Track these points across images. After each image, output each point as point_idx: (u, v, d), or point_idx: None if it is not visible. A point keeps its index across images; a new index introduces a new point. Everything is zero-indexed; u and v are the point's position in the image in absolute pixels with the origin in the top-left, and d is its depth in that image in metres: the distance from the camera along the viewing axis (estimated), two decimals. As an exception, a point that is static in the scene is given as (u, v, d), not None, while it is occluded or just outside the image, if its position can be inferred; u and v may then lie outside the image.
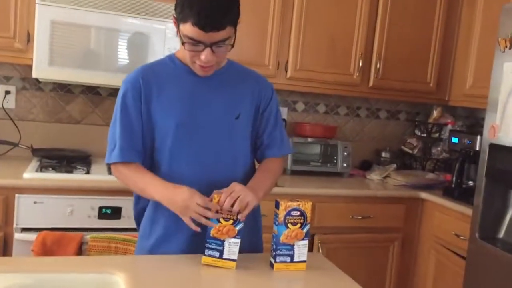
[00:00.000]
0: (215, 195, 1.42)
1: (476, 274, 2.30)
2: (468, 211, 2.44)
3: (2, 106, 2.76)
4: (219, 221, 1.42)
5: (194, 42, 1.42)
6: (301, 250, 1.46)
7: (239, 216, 1.42)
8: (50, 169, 2.48)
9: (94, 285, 1.27)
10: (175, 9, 1.44)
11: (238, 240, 1.43)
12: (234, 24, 1.45)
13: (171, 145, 1.53)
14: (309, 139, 3.08)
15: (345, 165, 3.09)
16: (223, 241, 1.43)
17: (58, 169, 2.47)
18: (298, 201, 1.45)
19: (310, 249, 2.69)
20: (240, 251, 1.57)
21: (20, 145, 2.71)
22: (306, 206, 1.45)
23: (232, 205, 1.40)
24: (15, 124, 2.77)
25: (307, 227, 1.46)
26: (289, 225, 1.44)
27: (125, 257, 1.81)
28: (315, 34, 2.91)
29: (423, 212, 2.91)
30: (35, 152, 2.67)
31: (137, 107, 1.53)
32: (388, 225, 2.85)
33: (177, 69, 1.57)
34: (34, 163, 2.55)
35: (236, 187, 1.44)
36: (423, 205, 2.91)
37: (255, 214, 1.65)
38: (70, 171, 2.45)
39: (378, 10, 3.01)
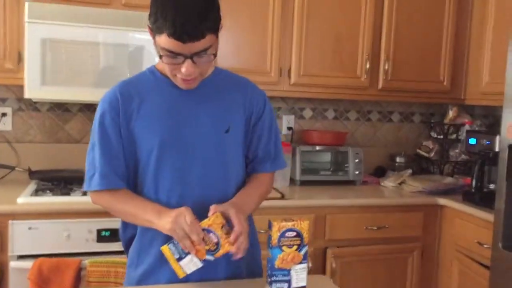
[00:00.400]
0: (218, 218, 1.30)
1: (501, 285, 2.12)
2: (491, 217, 2.26)
3: (-2, 129, 2.70)
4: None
5: (173, 54, 1.29)
6: (299, 275, 1.32)
7: (217, 251, 1.29)
8: (48, 191, 2.39)
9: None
10: (149, 18, 1.31)
11: (200, 265, 1.30)
12: (215, 30, 1.31)
13: (155, 165, 1.40)
14: (317, 147, 2.93)
15: (357, 172, 2.93)
16: (188, 253, 1.29)
17: (55, 192, 2.37)
18: (293, 220, 1.31)
19: (323, 263, 2.54)
20: (237, 277, 1.45)
21: (17, 169, 2.63)
22: (303, 226, 1.31)
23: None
24: (12, 147, 2.69)
25: (305, 248, 1.32)
26: (284, 247, 1.30)
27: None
28: (318, 36, 2.77)
29: (442, 219, 2.73)
30: (32, 175, 2.59)
31: (116, 129, 1.41)
32: (405, 235, 2.68)
33: (158, 82, 1.45)
34: (31, 187, 2.46)
35: (245, 227, 1.31)
36: (442, 211, 2.73)
37: (252, 235, 1.52)
38: (67, 193, 2.35)
39: (384, 7, 2.86)
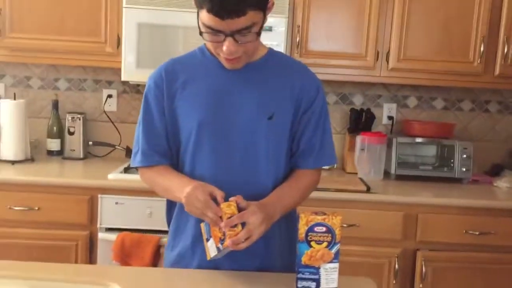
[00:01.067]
0: (230, 207, 1.22)
1: None
2: None
3: (104, 109, 2.89)
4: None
5: (213, 31, 1.23)
6: (329, 275, 1.18)
7: (225, 243, 1.20)
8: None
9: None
10: None
11: (216, 252, 1.22)
12: (259, 7, 1.22)
13: (193, 147, 1.37)
14: (417, 139, 2.65)
15: (464, 169, 2.61)
16: (211, 238, 1.24)
17: (144, 170, 2.48)
18: (324, 214, 1.18)
19: (412, 266, 2.31)
20: (270, 270, 1.36)
21: (117, 147, 2.80)
22: (334, 221, 1.17)
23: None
24: (115, 127, 2.88)
25: (337, 246, 1.18)
26: (312, 243, 1.17)
27: (127, 268, 1.75)
28: (422, 15, 2.50)
29: None
30: (129, 153, 2.73)
31: (159, 107, 1.39)
32: (515, 244, 2.32)
33: (207, 62, 1.40)
34: (125, 164, 2.61)
35: (254, 218, 1.21)
36: None
37: (288, 225, 1.42)
38: (153, 173, 2.44)
39: (504, -19, 2.48)
